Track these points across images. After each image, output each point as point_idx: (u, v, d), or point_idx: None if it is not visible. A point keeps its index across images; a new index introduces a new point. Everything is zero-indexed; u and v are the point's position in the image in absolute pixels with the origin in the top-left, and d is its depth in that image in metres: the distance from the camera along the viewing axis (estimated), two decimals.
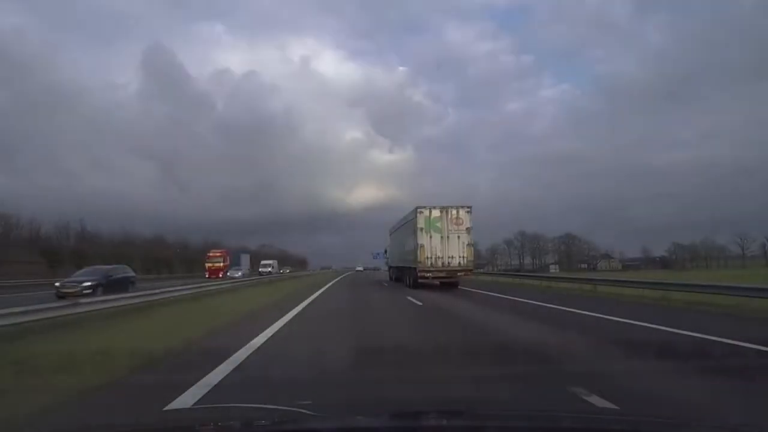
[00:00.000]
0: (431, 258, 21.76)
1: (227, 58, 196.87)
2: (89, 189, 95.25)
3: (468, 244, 22.01)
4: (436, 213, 22.10)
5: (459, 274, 22.10)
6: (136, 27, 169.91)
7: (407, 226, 24.52)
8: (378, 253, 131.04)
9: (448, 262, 21.79)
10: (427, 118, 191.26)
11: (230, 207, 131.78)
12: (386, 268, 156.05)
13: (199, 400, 4.24)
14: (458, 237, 21.95)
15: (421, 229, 21.89)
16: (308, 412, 1.96)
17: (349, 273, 77.04)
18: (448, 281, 22.59)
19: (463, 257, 21.87)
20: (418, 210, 22.11)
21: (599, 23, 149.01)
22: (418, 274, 21.87)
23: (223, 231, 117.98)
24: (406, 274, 25.43)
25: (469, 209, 22.27)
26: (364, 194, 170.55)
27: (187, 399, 4.25)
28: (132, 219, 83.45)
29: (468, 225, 22.09)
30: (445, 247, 21.84)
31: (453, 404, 2.55)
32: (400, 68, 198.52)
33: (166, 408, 3.81)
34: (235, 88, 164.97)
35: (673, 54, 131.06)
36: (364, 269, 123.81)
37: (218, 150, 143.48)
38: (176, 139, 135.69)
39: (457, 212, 22.14)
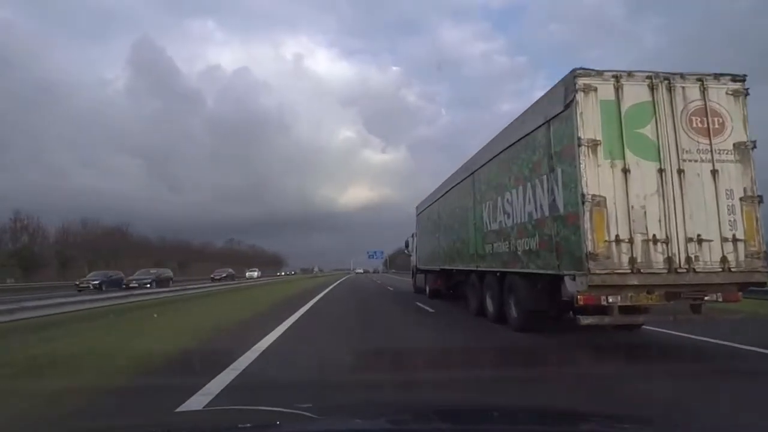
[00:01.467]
0: (632, 240, 6.24)
1: (219, 55, 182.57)
2: (75, 186, 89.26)
3: (749, 197, 6.58)
4: (639, 93, 6.54)
5: (719, 295, 6.55)
6: (126, 22, 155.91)
7: (522, 148, 8.36)
8: (375, 252, 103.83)
9: (692, 258, 6.33)
10: (420, 118, 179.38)
11: (219, 205, 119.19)
12: (384, 270, 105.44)
13: None
14: (715, 172, 6.52)
15: (592, 145, 6.36)
16: (311, 415, 1.90)
17: (347, 277, 60.92)
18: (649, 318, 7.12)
19: (737, 238, 6.45)
20: (580, 83, 6.45)
21: (594, 24, 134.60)
22: (581, 297, 6.39)
23: (211, 229, 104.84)
24: (487, 292, 10.26)
25: (742, 83, 6.77)
26: (356, 194, 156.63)
27: None
28: (118, 217, 72.51)
29: (741, 136, 6.62)
30: (672, 201, 6.44)
31: (454, 405, 2.38)
32: (394, 68, 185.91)
33: (177, 410, 3.86)
34: (226, 85, 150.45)
35: (667, 55, 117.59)
36: (364, 272, 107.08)
37: (208, 148, 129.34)
38: (165, 136, 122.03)
39: (704, 92, 6.69)
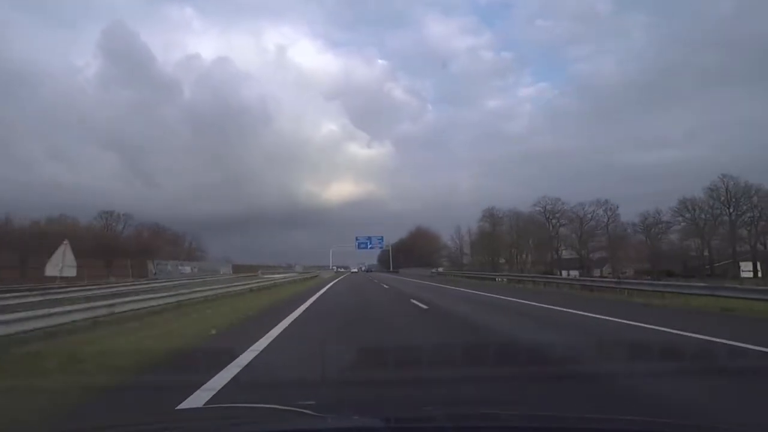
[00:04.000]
0: None
1: (197, 43, 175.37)
2: (42, 180, 79.96)
3: None
4: None
5: None
6: (97, 7, 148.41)
7: None
8: (368, 240, 71.86)
9: None
10: (406, 113, 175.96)
11: (196, 200, 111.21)
12: (379, 268, 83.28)
13: None
14: None
15: None
16: (312, 413, 1.91)
17: (324, 290, 24.47)
18: None
19: None
20: None
21: (580, 20, 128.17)
22: None
23: (186, 224, 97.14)
24: None
25: None
26: (339, 189, 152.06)
27: None
28: (89, 212, 64.31)
29: None
30: None
31: (455, 405, 2.39)
32: (380, 61, 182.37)
33: (178, 407, 3.68)
34: (205, 75, 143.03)
35: (650, 55, 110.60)
36: (359, 270, 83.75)
37: (185, 140, 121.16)
38: (139, 127, 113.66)
39: None
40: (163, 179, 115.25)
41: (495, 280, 35.08)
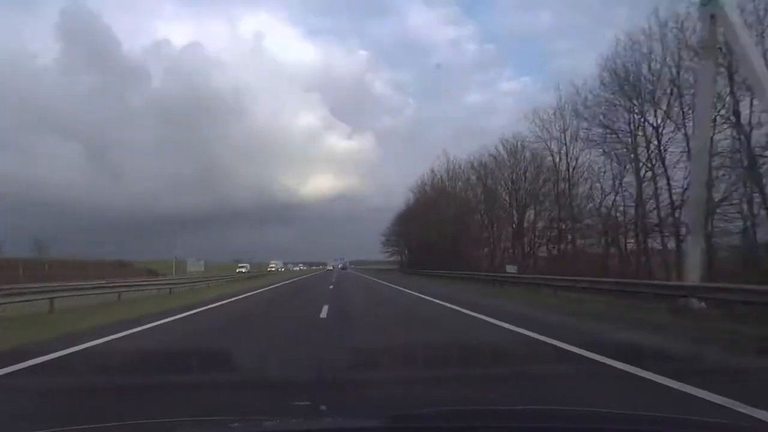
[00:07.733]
0: None
1: (168, 31, 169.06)
2: None
3: None
4: None
5: None
6: None
7: None
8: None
9: None
10: (388, 105, 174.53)
11: (163, 194, 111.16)
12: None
13: None
14: None
15: None
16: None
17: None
18: None
19: None
20: None
21: (565, 14, 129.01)
22: None
23: (154, 220, 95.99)
24: None
25: None
26: (317, 183, 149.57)
27: None
28: (53, 209, 60.61)
29: None
30: None
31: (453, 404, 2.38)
32: (362, 52, 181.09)
33: None
34: (175, 62, 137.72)
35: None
36: (335, 267, 68.57)
37: (152, 130, 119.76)
38: (103, 116, 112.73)
39: None
40: (127, 171, 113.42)
41: None
